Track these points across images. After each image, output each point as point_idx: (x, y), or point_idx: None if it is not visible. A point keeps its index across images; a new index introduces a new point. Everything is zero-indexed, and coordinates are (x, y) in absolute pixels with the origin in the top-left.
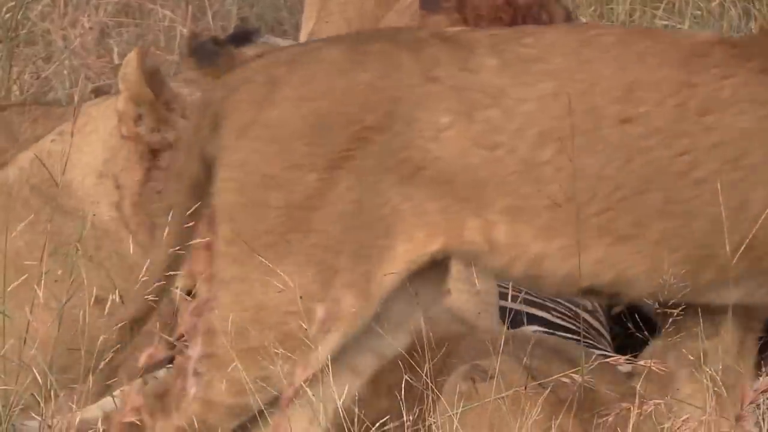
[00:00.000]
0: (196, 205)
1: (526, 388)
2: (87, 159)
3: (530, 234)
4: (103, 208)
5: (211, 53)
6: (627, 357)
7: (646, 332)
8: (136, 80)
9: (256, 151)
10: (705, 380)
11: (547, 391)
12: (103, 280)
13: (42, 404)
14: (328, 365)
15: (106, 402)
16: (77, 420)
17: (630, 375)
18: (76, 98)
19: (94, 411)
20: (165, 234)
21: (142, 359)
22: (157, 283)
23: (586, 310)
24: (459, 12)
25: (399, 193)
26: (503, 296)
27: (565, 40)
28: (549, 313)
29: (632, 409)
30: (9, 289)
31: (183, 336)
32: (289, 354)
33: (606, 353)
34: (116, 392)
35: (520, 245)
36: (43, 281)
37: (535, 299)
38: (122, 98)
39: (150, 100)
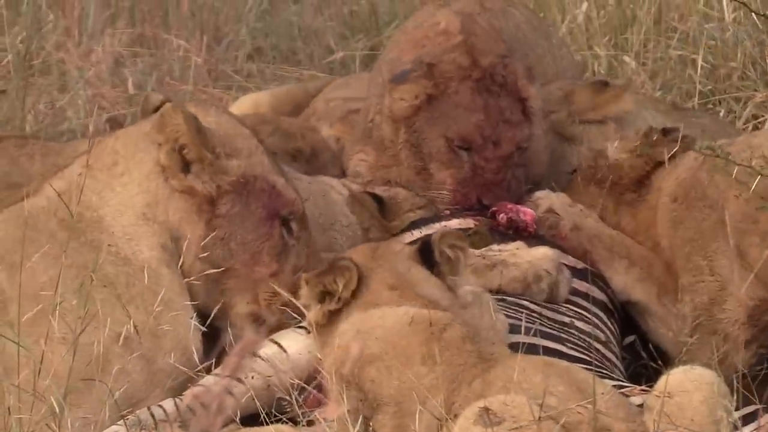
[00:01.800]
0: None
1: (540, 418)
2: (120, 198)
3: None
4: (143, 247)
5: None
6: (641, 387)
7: (660, 361)
8: (190, 141)
9: None
10: (720, 410)
11: (560, 424)
12: (126, 315)
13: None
14: None
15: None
16: None
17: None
18: (90, 128)
19: None
20: None
21: (188, 398)
22: None
23: (599, 341)
24: (427, 78)
25: None
26: (517, 329)
27: None
28: (563, 344)
29: None
30: (26, 319)
31: (228, 375)
32: None
33: (621, 383)
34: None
35: None
36: (57, 312)
37: (548, 331)
38: (165, 151)
39: (205, 158)
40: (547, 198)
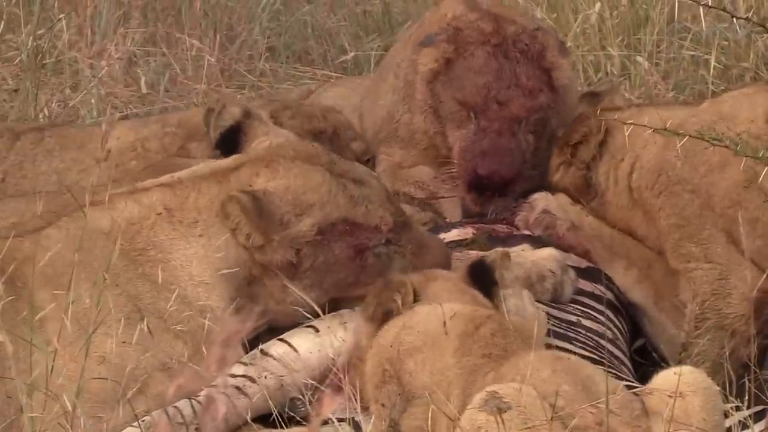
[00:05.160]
0: None
1: (552, 418)
2: (195, 251)
3: None
4: (213, 296)
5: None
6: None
7: (670, 362)
8: (253, 229)
9: None
10: (730, 409)
11: (573, 422)
12: (173, 348)
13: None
14: None
15: None
16: None
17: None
18: (103, 127)
19: None
20: None
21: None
22: None
23: (607, 339)
24: (449, 42)
25: None
26: None
27: None
28: (570, 343)
29: None
30: (65, 339)
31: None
32: None
33: (630, 382)
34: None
35: None
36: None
37: (556, 330)
38: (237, 235)
39: (271, 240)
40: (543, 199)
